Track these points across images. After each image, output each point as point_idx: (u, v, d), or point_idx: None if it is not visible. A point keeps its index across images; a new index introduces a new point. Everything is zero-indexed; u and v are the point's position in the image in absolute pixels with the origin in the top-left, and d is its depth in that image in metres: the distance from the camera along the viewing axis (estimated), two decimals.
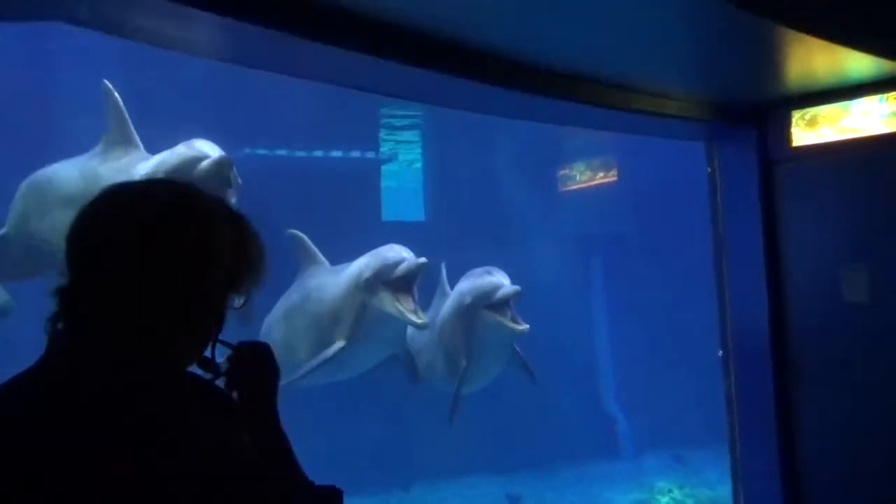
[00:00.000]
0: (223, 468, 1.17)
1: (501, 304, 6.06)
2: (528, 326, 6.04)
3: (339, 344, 5.74)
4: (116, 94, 5.24)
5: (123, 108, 5.20)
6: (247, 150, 10.48)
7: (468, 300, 6.23)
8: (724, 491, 5.02)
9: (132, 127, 5.21)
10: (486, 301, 6.10)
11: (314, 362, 5.78)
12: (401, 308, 5.51)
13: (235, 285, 1.34)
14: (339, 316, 5.83)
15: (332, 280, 6.09)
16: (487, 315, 6.10)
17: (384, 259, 5.71)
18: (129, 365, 1.21)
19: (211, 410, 1.32)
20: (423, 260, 5.65)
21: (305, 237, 6.55)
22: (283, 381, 1.52)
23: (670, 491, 9.49)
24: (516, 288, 6.10)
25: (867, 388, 3.98)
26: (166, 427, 1.15)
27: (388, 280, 5.58)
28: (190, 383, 1.34)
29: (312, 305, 6.10)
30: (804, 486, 4.17)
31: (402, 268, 5.58)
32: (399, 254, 5.72)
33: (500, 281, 6.20)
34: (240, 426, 1.35)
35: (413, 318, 5.52)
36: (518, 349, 6.62)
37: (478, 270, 6.48)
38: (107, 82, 5.24)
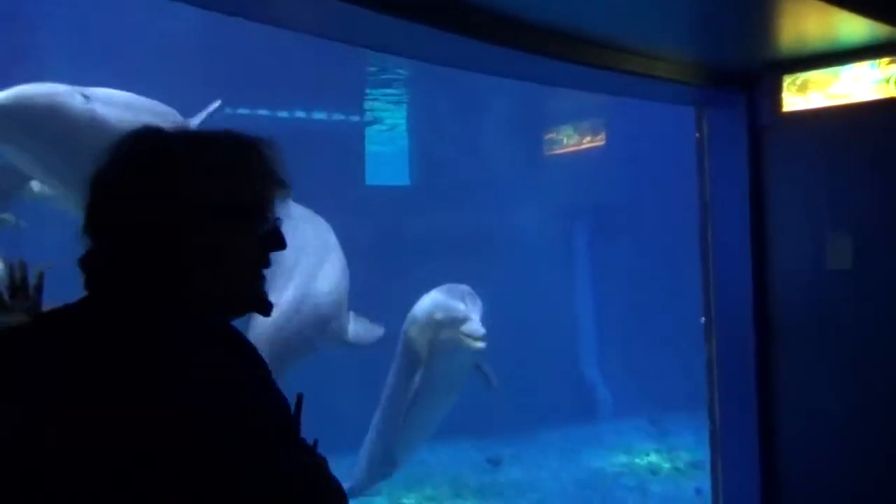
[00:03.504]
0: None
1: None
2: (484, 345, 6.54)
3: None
4: None
5: None
6: (227, 110, 10.28)
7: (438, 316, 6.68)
8: (702, 455, 5.06)
9: None
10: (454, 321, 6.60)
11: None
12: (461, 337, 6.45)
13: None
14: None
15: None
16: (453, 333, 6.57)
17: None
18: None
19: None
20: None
21: None
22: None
23: (648, 455, 9.61)
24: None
25: (848, 354, 4.01)
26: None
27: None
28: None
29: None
30: (783, 451, 4.20)
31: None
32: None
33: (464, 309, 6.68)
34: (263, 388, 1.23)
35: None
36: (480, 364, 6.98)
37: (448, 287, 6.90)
38: None
